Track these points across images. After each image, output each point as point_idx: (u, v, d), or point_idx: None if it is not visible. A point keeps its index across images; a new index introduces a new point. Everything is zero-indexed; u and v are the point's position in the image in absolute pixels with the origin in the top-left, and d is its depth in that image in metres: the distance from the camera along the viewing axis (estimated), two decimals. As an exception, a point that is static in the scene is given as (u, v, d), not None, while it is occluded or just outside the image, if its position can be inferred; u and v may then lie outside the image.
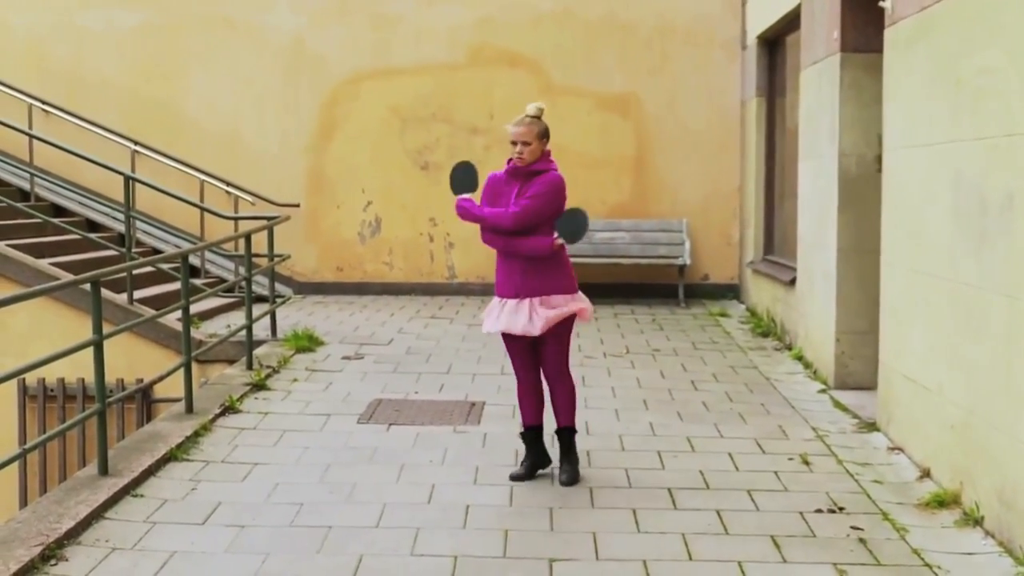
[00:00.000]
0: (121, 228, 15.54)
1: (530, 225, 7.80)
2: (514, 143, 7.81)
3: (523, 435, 8.30)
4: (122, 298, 12.92)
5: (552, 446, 8.40)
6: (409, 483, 8.06)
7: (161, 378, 9.96)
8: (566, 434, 8.21)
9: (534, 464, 8.20)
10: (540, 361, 8.16)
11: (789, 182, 14.24)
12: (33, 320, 12.44)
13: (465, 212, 7.99)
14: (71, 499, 7.41)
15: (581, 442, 8.86)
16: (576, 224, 7.89)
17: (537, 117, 7.84)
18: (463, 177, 8.06)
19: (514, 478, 8.10)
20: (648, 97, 17.71)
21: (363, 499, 7.67)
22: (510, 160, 7.94)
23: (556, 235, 7.86)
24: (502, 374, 11.55)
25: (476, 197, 8.11)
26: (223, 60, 17.42)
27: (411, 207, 17.92)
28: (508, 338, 8.08)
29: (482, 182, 8.10)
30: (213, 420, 9.61)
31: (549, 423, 8.37)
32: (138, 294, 13.24)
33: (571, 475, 8.09)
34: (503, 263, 7.99)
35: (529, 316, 7.86)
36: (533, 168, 7.87)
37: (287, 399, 10.54)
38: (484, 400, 10.53)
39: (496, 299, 8.03)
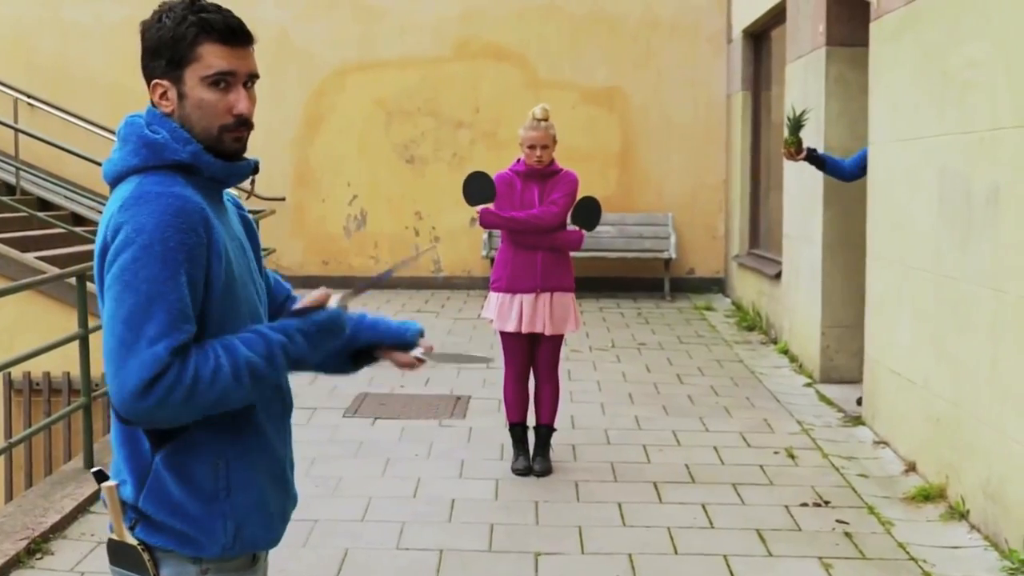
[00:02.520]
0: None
1: (564, 220, 8.09)
2: (532, 147, 7.93)
3: (513, 430, 8.33)
4: (107, 292, 12.87)
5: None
6: (395, 477, 8.06)
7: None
8: (545, 430, 8.26)
9: (529, 457, 8.24)
10: (534, 358, 8.20)
11: (774, 176, 14.26)
12: (19, 314, 12.40)
13: (495, 218, 8.04)
14: (56, 493, 7.41)
15: (567, 436, 8.91)
16: (591, 212, 8.19)
17: (546, 119, 7.94)
18: (479, 188, 8.09)
19: (518, 472, 8.11)
20: (634, 91, 17.72)
21: (349, 493, 7.68)
22: (519, 160, 8.06)
23: (575, 227, 8.18)
24: (487, 368, 11.55)
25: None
26: (208, 53, 17.29)
27: (397, 201, 17.91)
28: (508, 333, 8.12)
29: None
30: (199, 414, 9.58)
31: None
32: (123, 288, 13.19)
33: (546, 466, 8.16)
34: (520, 259, 8.05)
35: (549, 312, 8.03)
36: (549, 169, 8.01)
37: (273, 393, 10.51)
38: (469, 394, 10.54)
39: (504, 295, 8.07)
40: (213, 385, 2.77)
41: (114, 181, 2.95)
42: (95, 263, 2.87)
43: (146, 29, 2.94)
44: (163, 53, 2.92)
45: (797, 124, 10.03)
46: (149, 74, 2.97)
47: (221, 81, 2.93)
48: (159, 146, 2.89)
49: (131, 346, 2.72)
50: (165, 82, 2.94)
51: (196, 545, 2.92)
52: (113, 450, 3.02)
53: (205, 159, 2.92)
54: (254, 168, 3.09)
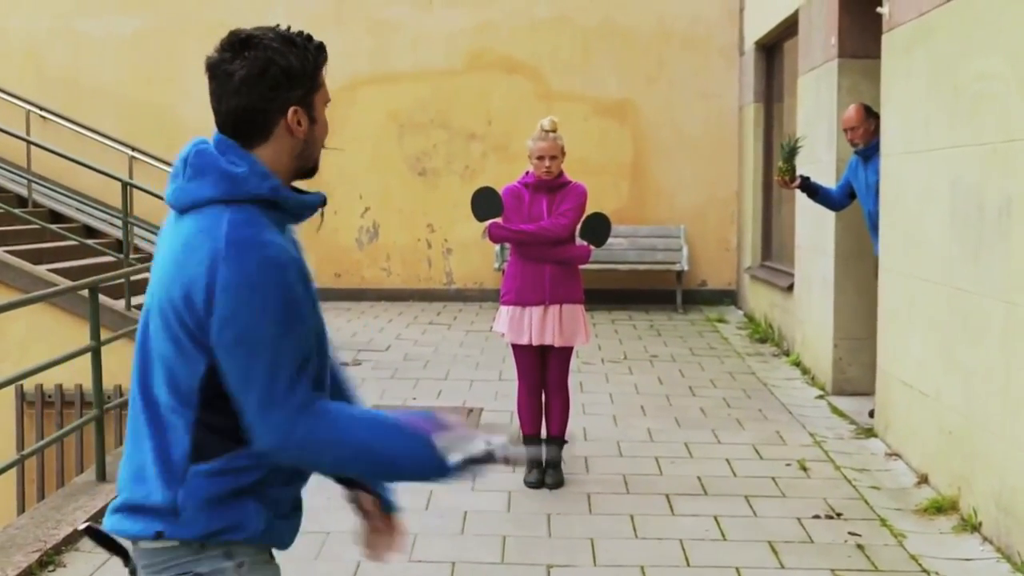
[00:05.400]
0: (119, 234, 15.52)
1: (574, 232, 8.11)
2: (541, 158, 7.94)
3: (526, 442, 8.33)
4: (120, 304, 12.90)
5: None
6: (406, 489, 7.98)
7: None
8: (556, 443, 8.26)
9: (542, 469, 8.23)
10: (545, 369, 8.21)
11: (787, 189, 14.23)
12: (31, 326, 12.43)
13: (504, 231, 8.09)
14: (69, 505, 7.41)
15: (579, 448, 8.90)
16: (600, 228, 8.20)
17: (554, 131, 7.96)
18: (487, 203, 8.10)
19: (531, 484, 8.10)
20: (645, 103, 17.72)
21: (361, 505, 7.66)
22: (527, 173, 8.08)
23: (584, 242, 8.18)
24: (500, 380, 11.56)
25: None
26: (221, 66, 17.32)
27: (409, 213, 17.92)
28: (520, 345, 8.13)
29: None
30: (211, 426, 9.57)
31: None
32: (136, 300, 13.19)
33: (558, 478, 8.16)
34: (529, 272, 8.06)
35: (559, 324, 8.03)
36: (558, 181, 8.01)
37: (285, 405, 10.50)
38: (482, 406, 10.53)
39: (514, 308, 8.08)
40: (343, 429, 2.93)
41: (184, 208, 2.96)
42: (199, 305, 2.85)
43: (266, 62, 2.99)
44: (302, 82, 3.05)
45: (791, 152, 10.00)
46: (282, 102, 3.02)
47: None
48: (240, 179, 2.93)
49: (270, 399, 2.84)
50: (301, 109, 3.06)
51: (233, 529, 2.96)
52: (142, 467, 3.00)
53: (283, 193, 3.00)
54: (323, 201, 3.17)
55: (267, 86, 2.97)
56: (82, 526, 3.21)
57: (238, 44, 3.00)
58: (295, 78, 3.01)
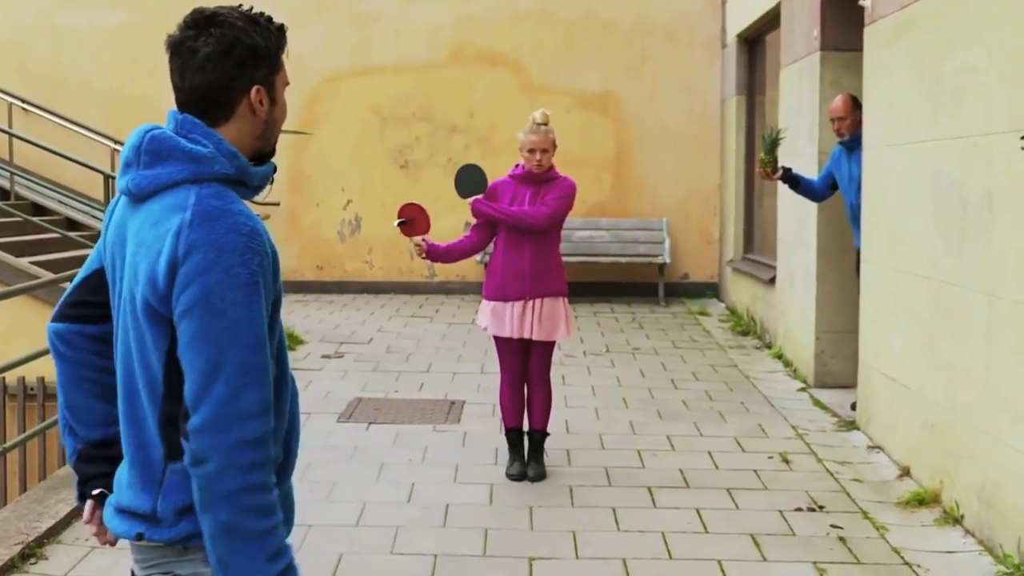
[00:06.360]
0: (101, 227, 15.49)
1: (555, 224, 8.07)
2: (532, 151, 7.93)
3: (509, 435, 8.32)
4: (102, 297, 12.83)
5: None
6: (389, 482, 8.05)
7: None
8: (538, 436, 8.27)
9: (524, 462, 8.23)
10: (527, 362, 8.20)
11: (769, 181, 14.25)
12: (13, 319, 12.38)
13: (486, 208, 8.06)
14: (51, 498, 7.39)
15: (561, 441, 8.91)
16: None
17: (546, 124, 7.94)
18: (471, 180, 8.12)
19: (513, 477, 8.10)
20: (628, 96, 17.73)
21: (343, 498, 7.67)
22: (518, 166, 8.08)
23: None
24: (482, 373, 11.55)
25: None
26: (203, 58, 17.27)
27: (391, 206, 17.68)
28: (502, 338, 8.13)
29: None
30: (193, 419, 9.55)
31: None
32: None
33: (540, 471, 8.16)
34: (510, 267, 8.05)
35: (539, 318, 8.03)
36: (547, 175, 8.03)
37: (267, 398, 10.48)
38: (464, 399, 10.53)
39: (495, 303, 8.09)
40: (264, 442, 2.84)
41: (146, 194, 2.92)
42: (161, 275, 2.80)
43: (232, 40, 2.95)
44: (266, 62, 3.02)
45: (773, 143, 10.00)
46: (246, 80, 2.99)
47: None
48: (207, 159, 2.91)
49: (223, 369, 2.76)
50: (263, 88, 3.02)
51: None
52: (124, 470, 3.02)
53: (250, 172, 3.00)
54: (275, 169, 3.17)
55: (232, 63, 2.95)
56: (95, 492, 3.21)
57: (203, 21, 2.97)
58: (260, 57, 2.98)
